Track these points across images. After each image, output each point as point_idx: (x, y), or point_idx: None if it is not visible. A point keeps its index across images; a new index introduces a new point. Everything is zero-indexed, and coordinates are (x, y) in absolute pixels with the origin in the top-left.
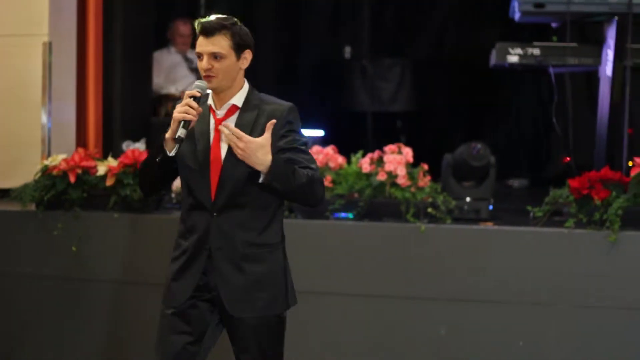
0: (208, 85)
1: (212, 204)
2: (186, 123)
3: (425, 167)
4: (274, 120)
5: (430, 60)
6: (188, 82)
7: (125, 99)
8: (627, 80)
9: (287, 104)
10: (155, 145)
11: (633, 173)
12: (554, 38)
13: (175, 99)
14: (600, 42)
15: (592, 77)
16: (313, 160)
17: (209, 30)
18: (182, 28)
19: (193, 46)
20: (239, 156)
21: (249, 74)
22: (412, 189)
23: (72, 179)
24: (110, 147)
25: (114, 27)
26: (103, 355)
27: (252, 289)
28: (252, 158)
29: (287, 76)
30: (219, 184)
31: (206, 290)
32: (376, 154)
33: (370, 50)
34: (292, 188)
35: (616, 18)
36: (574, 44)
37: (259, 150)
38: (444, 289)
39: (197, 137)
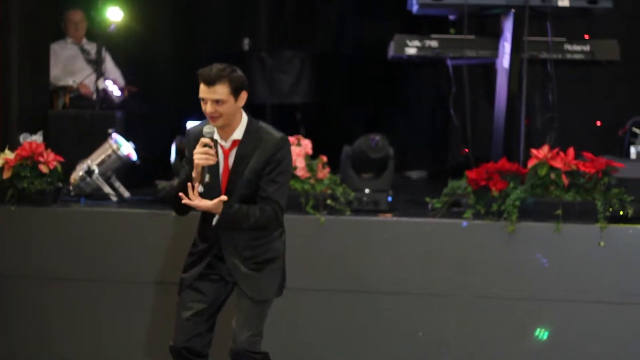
0: (214, 124)
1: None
2: (209, 167)
3: (325, 159)
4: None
5: (330, 53)
6: (85, 74)
7: (22, 91)
8: (524, 72)
9: (278, 136)
10: (182, 181)
11: (530, 164)
12: (452, 30)
13: (72, 91)
14: (497, 35)
15: (489, 69)
16: (280, 191)
17: (210, 80)
18: (72, 15)
19: (88, 37)
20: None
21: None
22: (312, 181)
23: None
24: (6, 140)
25: (11, 19)
26: (5, 351)
27: (269, 278)
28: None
29: (185, 68)
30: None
31: (215, 269)
32: None
33: (269, 42)
34: (239, 229)
35: (513, 11)
36: (471, 37)
37: (211, 210)
38: (343, 281)
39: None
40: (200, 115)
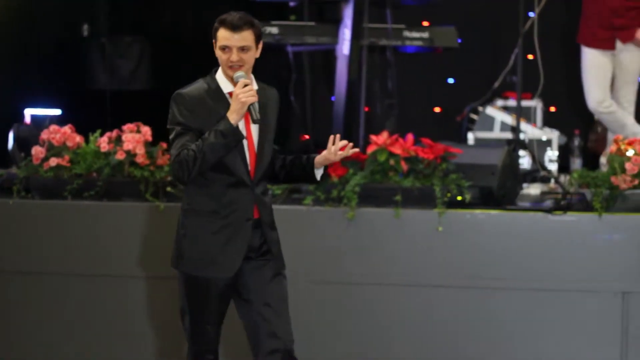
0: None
1: (251, 179)
2: (254, 105)
3: (164, 145)
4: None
5: (170, 39)
6: None
7: None
8: (364, 59)
9: (274, 88)
10: (224, 133)
11: (369, 150)
12: (292, 17)
13: None
14: (337, 21)
15: (330, 56)
16: None
17: (236, 25)
18: None
19: None
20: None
21: None
22: (151, 168)
23: None
24: None
25: None
26: None
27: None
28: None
29: (22, 54)
30: (256, 160)
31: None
32: (115, 132)
33: (108, 28)
34: None
35: None
36: (311, 23)
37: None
38: None
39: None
40: (39, 103)
